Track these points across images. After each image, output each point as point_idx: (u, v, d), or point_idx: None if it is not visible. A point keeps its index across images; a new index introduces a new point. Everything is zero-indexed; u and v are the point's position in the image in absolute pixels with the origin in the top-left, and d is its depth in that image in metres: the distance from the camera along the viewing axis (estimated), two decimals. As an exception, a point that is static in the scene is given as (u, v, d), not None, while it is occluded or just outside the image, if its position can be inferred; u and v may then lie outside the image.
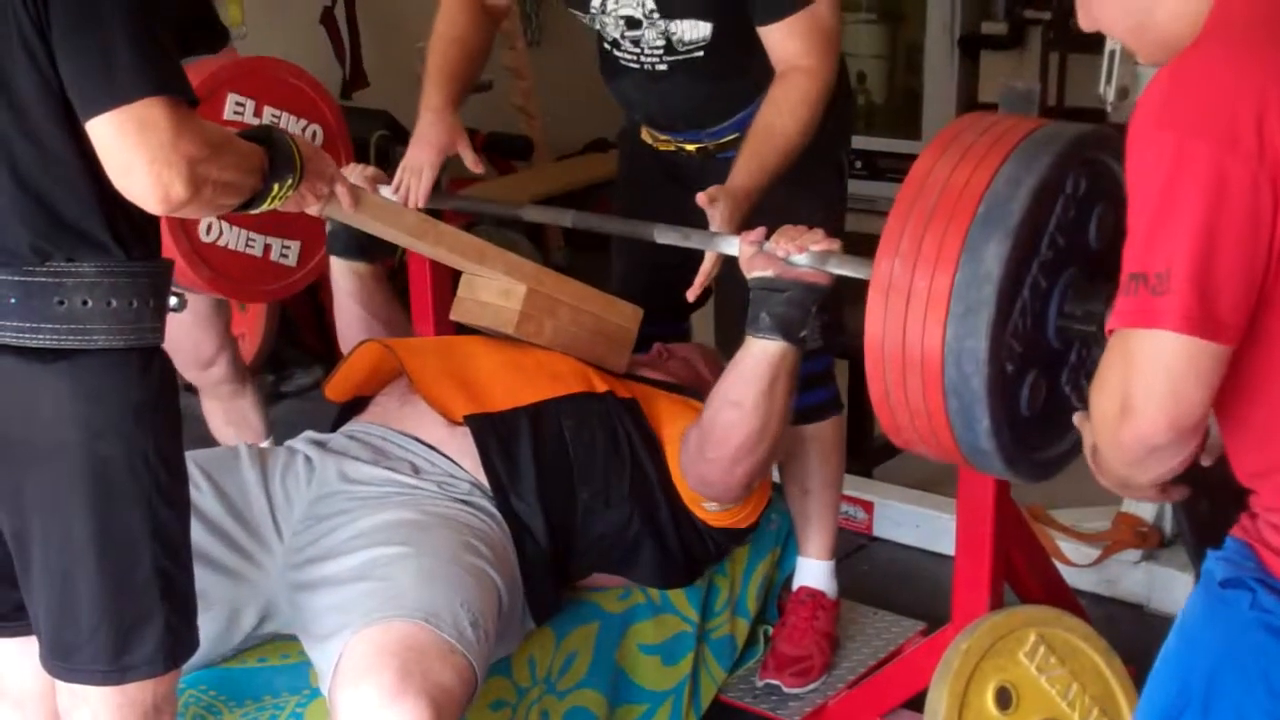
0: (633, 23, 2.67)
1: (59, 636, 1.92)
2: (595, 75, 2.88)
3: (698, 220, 2.54)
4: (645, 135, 2.95)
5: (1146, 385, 1.50)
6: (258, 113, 2.82)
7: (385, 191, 2.76)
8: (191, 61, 2.90)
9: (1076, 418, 1.83)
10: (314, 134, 2.97)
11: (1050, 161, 1.94)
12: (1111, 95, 3.33)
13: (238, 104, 2.80)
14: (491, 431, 2.54)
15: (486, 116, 5.28)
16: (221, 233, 2.86)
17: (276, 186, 2.02)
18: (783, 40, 2.58)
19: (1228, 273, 1.47)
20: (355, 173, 2.75)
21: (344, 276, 2.89)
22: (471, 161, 2.81)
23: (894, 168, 6.47)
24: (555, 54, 6.28)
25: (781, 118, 2.56)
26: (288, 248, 3.00)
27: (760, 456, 2.50)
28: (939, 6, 6.71)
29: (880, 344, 1.97)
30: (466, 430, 2.55)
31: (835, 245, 2.34)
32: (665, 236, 2.54)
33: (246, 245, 2.92)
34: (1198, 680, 1.67)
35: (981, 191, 1.92)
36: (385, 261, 3.01)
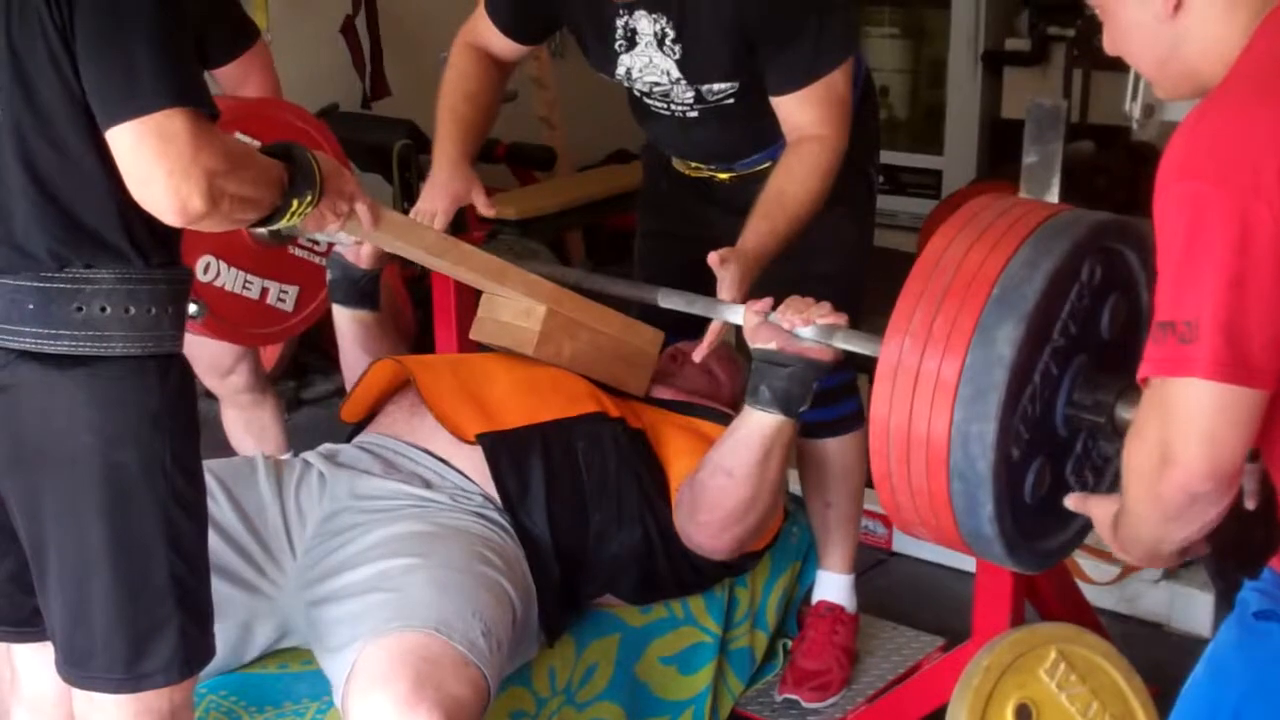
0: (658, 85, 2.70)
1: (74, 643, 1.91)
2: (617, 87, 2.88)
3: (724, 234, 2.54)
4: (677, 164, 2.96)
5: (1185, 433, 1.49)
6: None
7: None
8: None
9: (1072, 500, 1.82)
10: None
11: (1068, 248, 1.92)
12: (1137, 113, 3.32)
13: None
14: (503, 449, 2.53)
15: (509, 126, 5.28)
16: (219, 274, 2.86)
17: (296, 202, 2.00)
18: (796, 110, 2.59)
19: (1257, 317, 1.46)
20: None
21: (347, 324, 2.89)
22: (483, 205, 2.80)
23: (916, 182, 6.48)
24: (578, 65, 6.25)
25: (794, 185, 2.56)
26: (285, 292, 2.99)
27: (748, 525, 2.51)
28: (962, 22, 6.71)
29: (886, 423, 1.95)
30: (478, 447, 2.55)
31: (842, 320, 2.33)
32: (670, 301, 2.55)
33: (244, 288, 2.91)
34: (1225, 712, 1.66)
35: (996, 274, 1.91)
36: (407, 270, 3.00)
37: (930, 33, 7.22)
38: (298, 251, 3.00)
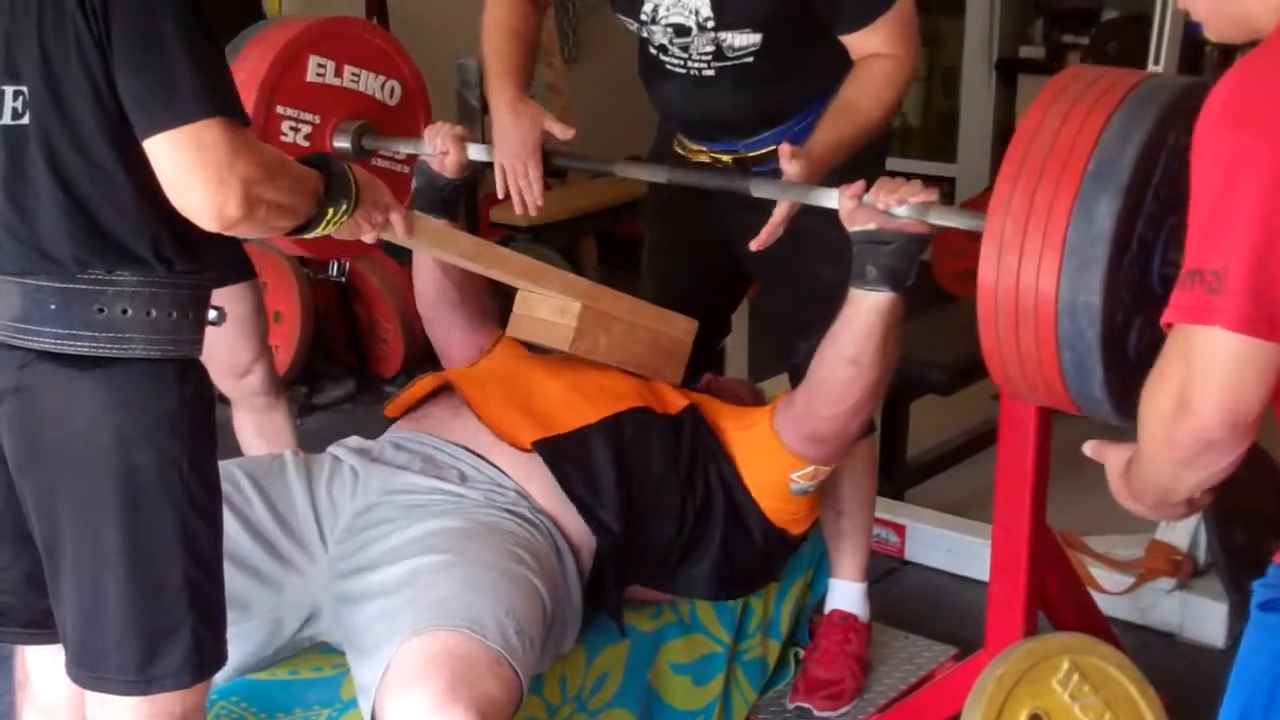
0: (682, 30, 2.65)
1: (86, 644, 1.92)
2: (631, 92, 2.87)
3: (729, 235, 2.52)
4: (678, 147, 2.93)
5: (1204, 381, 1.49)
6: (339, 72, 2.86)
7: (475, 153, 2.76)
8: (269, 24, 2.93)
9: (1090, 447, 1.82)
10: (393, 89, 2.99)
11: (1156, 116, 1.95)
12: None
13: (319, 65, 2.82)
14: (562, 453, 2.55)
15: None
16: None
17: (331, 211, 2.03)
18: (866, 40, 2.59)
19: None
20: (443, 131, 2.76)
21: None
22: (561, 130, 2.75)
23: (929, 190, 6.46)
24: (592, 70, 6.30)
25: (865, 97, 2.57)
26: None
27: (872, 406, 2.57)
28: (976, 30, 6.71)
29: (993, 296, 1.98)
30: (527, 451, 2.56)
31: (933, 196, 2.35)
32: (761, 190, 2.52)
33: None
34: (1253, 712, 1.65)
35: (1091, 147, 1.94)
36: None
37: (944, 40, 7.22)
38: (379, 163, 3.01)
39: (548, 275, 2.70)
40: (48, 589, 1.94)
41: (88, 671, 1.93)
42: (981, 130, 6.61)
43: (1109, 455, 1.77)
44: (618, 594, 2.58)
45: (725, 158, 2.84)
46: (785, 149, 2.45)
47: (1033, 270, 1.93)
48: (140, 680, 1.91)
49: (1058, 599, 2.72)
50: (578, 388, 2.70)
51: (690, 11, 2.62)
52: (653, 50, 2.76)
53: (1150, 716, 2.50)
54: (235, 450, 3.40)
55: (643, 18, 2.69)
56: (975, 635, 2.70)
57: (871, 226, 2.35)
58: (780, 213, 2.49)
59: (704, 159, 2.88)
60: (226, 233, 1.84)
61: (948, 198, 6.40)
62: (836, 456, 2.65)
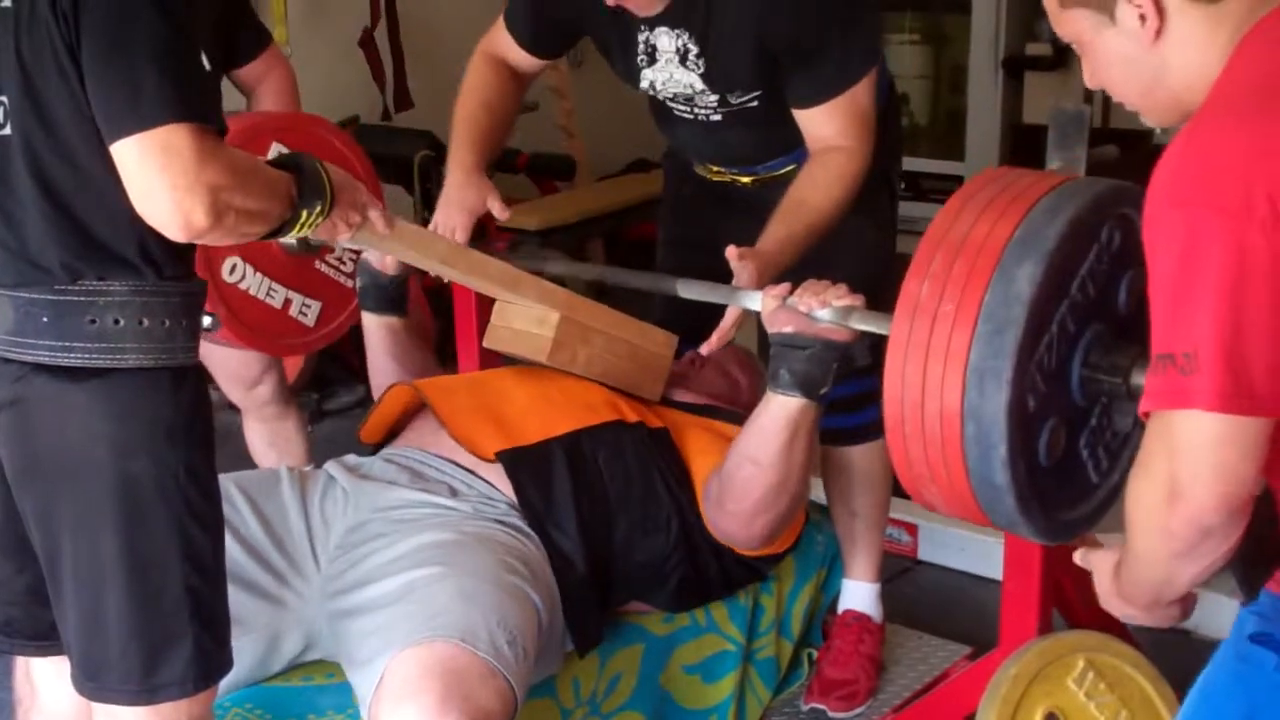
0: (682, 98, 2.70)
1: (89, 656, 1.92)
2: (637, 96, 2.88)
3: (746, 239, 2.52)
4: (699, 169, 2.96)
5: (1192, 466, 1.45)
6: None
7: None
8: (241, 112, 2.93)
9: (1079, 555, 1.79)
10: None
11: (1089, 200, 1.89)
12: (1160, 117, 3.29)
13: (280, 151, 2.79)
14: (525, 464, 2.53)
15: (529, 137, 5.29)
16: (244, 276, 2.85)
17: (305, 214, 1.98)
18: (820, 123, 2.60)
19: (1257, 344, 1.42)
20: None
21: (376, 330, 2.91)
22: (499, 210, 2.79)
23: (937, 189, 6.44)
24: (597, 74, 6.25)
25: (816, 193, 2.57)
26: (308, 306, 2.99)
27: (779, 511, 2.50)
28: (983, 28, 6.68)
29: (901, 369, 1.90)
30: (479, 455, 2.55)
31: (858, 301, 2.33)
32: (689, 291, 2.56)
33: (268, 295, 2.91)
34: None
35: (1018, 220, 1.87)
36: (427, 280, 2.97)
37: (950, 38, 7.19)
38: (325, 268, 3.01)
39: (525, 284, 2.65)
40: (51, 602, 1.94)
41: (92, 683, 1.93)
42: (989, 128, 6.57)
43: (1094, 561, 1.72)
44: (597, 619, 2.53)
45: (745, 179, 2.88)
46: (733, 251, 2.45)
47: (945, 334, 1.85)
48: (144, 690, 1.91)
49: (1072, 597, 2.71)
50: (547, 397, 2.67)
51: (685, 85, 2.67)
52: (660, 99, 2.79)
53: (1166, 714, 2.49)
54: (246, 458, 3.40)
55: (643, 87, 2.74)
56: (989, 634, 2.69)
57: (790, 330, 2.34)
58: (729, 318, 2.50)
59: (725, 179, 2.91)
60: (195, 241, 1.81)
61: (956, 196, 6.37)
62: (753, 548, 2.60)
